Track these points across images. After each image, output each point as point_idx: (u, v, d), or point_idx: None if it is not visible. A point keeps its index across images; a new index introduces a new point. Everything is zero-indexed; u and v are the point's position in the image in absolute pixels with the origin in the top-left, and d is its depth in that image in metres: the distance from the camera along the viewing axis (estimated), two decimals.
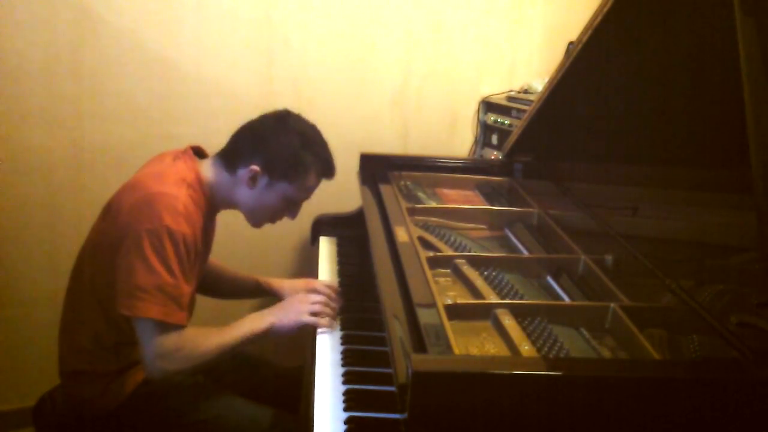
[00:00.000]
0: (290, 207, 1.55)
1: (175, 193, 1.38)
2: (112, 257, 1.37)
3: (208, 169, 1.50)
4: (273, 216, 1.56)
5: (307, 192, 1.54)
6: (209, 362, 1.44)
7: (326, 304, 1.55)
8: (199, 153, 1.56)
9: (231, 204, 1.54)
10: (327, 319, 1.53)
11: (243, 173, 1.47)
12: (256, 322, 1.49)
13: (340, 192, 2.35)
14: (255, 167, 1.46)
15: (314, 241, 2.10)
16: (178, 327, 1.37)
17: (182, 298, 1.37)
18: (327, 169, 1.53)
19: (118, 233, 1.37)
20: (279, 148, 1.46)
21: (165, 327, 1.35)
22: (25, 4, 1.94)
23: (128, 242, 1.34)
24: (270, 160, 1.46)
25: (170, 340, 1.36)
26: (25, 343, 2.17)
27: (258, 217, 1.55)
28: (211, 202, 1.52)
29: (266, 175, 1.47)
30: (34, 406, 1.59)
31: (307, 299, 1.55)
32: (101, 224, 1.48)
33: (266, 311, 1.53)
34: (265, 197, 1.50)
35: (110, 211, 1.45)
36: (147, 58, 2.11)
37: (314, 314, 1.52)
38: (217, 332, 1.44)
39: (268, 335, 1.49)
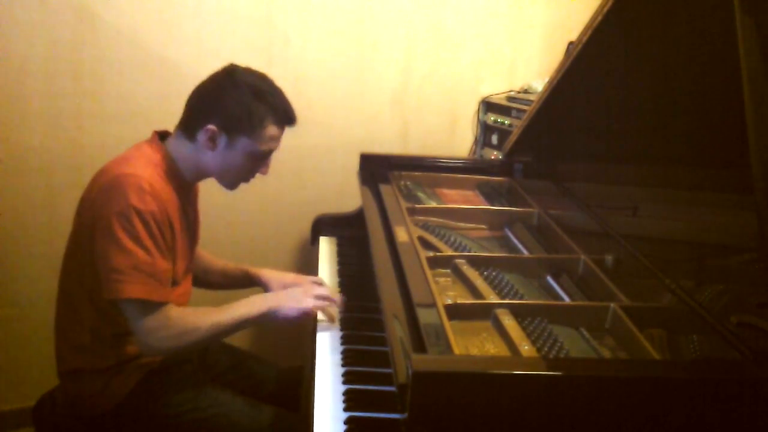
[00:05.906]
0: (258, 162, 1.52)
1: (139, 173, 1.38)
2: (91, 247, 1.38)
3: (172, 146, 1.50)
4: (245, 175, 1.53)
5: (270, 143, 1.50)
6: (203, 341, 1.45)
7: (328, 297, 1.54)
8: (164, 136, 1.55)
9: (201, 172, 1.52)
10: (328, 309, 1.51)
11: (202, 136, 1.46)
12: (253, 304, 1.49)
13: (340, 192, 2.37)
14: (211, 126, 1.44)
15: (314, 241, 2.10)
16: (163, 304, 1.38)
17: (161, 274, 1.38)
18: (284, 115, 1.50)
19: (90, 222, 1.38)
20: (231, 104, 1.44)
21: (149, 305, 1.36)
22: (25, 4, 1.94)
23: (100, 228, 1.35)
24: (224, 117, 1.44)
25: (157, 317, 1.37)
26: (25, 343, 2.17)
27: (229, 179, 1.53)
28: (183, 177, 1.51)
29: (224, 133, 1.45)
30: (34, 406, 1.59)
31: (310, 288, 1.56)
32: (78, 218, 1.48)
33: (266, 294, 1.52)
34: (229, 157, 1.48)
35: (83, 203, 1.46)
36: (147, 58, 2.11)
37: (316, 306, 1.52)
38: (211, 311, 1.45)
39: (266, 320, 1.48)
